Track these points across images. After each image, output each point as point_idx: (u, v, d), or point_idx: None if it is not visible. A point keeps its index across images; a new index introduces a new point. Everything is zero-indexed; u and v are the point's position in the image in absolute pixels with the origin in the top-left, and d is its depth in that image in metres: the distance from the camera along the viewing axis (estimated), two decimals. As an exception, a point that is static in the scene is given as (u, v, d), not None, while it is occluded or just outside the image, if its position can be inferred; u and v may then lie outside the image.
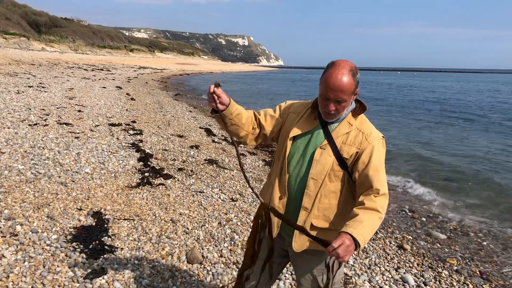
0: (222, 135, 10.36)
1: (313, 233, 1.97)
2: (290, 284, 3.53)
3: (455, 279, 4.12)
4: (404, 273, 4.08)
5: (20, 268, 3.18)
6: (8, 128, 7.50)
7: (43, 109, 10.02)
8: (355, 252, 1.74)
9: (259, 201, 1.96)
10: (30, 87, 14.22)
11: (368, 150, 1.91)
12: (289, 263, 2.34)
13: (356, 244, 1.69)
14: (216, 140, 9.44)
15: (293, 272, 2.40)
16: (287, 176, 2.01)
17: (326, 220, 1.98)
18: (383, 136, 2.00)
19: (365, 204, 1.83)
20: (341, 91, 1.81)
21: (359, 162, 1.91)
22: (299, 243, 2.02)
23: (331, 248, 1.65)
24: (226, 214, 4.95)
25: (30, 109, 9.80)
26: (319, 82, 1.92)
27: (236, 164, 7.43)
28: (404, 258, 4.48)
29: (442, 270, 4.29)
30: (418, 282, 3.94)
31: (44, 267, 3.25)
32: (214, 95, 1.87)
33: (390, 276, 3.99)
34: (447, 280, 4.06)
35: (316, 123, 2.01)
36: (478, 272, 4.34)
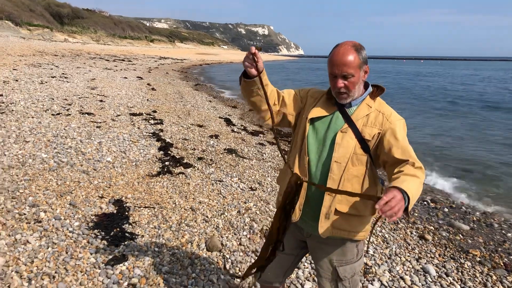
0: (242, 125, 10.37)
1: (336, 217, 1.94)
2: (309, 273, 3.52)
3: (478, 270, 4.03)
4: (425, 263, 4.02)
5: (44, 254, 3.25)
6: (32, 117, 7.66)
7: (65, 99, 10.19)
8: (404, 214, 1.60)
9: (290, 171, 1.92)
10: (53, 77, 14.47)
11: (391, 130, 1.87)
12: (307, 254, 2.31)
13: (405, 198, 1.58)
14: (235, 130, 9.45)
15: (312, 261, 2.39)
16: (307, 159, 1.97)
17: (349, 205, 1.94)
18: (403, 118, 1.96)
19: (404, 171, 1.74)
20: (345, 65, 1.81)
21: (384, 143, 1.86)
22: (325, 228, 1.96)
23: (383, 202, 1.50)
24: (245, 203, 4.96)
25: (53, 99, 9.98)
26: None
27: (255, 153, 7.43)
28: (426, 249, 4.41)
29: (465, 261, 4.21)
30: (439, 273, 3.87)
31: (66, 253, 3.32)
32: (255, 57, 1.82)
33: (411, 266, 3.93)
34: (469, 271, 3.98)
35: (334, 108, 1.98)
36: (502, 264, 4.24)
